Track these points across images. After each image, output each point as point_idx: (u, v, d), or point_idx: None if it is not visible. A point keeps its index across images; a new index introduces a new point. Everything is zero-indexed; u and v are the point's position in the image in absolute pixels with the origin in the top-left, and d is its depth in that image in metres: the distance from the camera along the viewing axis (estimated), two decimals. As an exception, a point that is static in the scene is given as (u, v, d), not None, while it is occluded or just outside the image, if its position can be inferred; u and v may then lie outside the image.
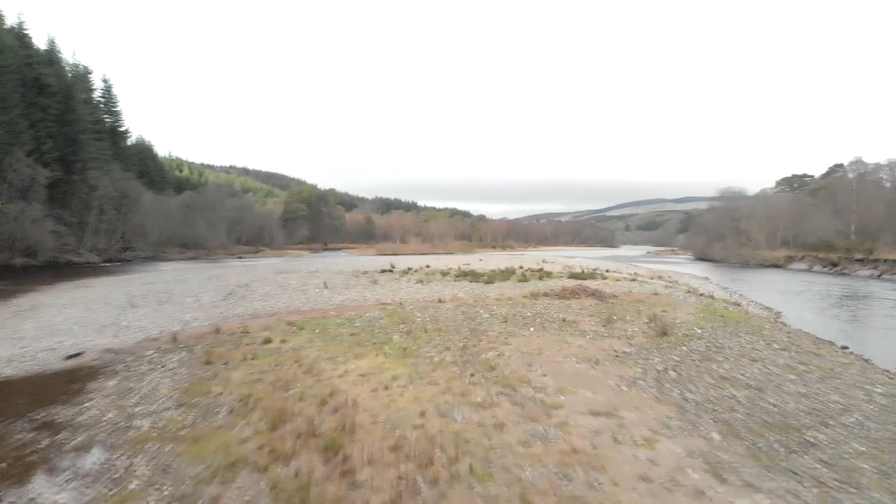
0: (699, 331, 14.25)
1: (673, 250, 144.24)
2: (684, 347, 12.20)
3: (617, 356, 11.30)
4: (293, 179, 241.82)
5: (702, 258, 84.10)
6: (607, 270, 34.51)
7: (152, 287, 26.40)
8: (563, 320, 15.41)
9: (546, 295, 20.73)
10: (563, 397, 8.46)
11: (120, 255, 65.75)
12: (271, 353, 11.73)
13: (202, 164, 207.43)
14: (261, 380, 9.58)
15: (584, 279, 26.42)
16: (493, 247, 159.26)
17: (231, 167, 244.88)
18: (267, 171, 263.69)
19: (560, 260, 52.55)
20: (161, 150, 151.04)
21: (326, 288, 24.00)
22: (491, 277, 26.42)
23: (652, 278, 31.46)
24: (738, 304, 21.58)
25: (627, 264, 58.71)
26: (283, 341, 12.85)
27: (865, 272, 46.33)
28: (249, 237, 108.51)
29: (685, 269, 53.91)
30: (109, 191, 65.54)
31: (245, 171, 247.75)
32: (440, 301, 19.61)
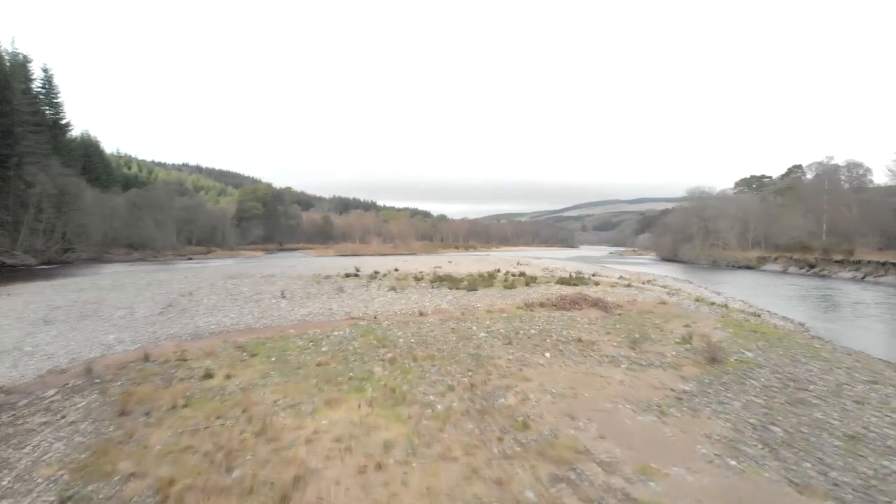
0: (749, 354, 11.66)
1: (634, 250, 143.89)
2: (753, 381, 9.53)
3: (678, 398, 8.54)
4: (247, 178, 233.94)
5: (668, 259, 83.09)
6: (594, 275, 31.94)
7: (82, 296, 22.68)
8: (579, 340, 12.61)
9: (542, 305, 17.95)
10: (654, 485, 5.59)
11: (60, 256, 61.06)
12: (212, 395, 8.65)
13: (153, 162, 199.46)
14: (192, 448, 6.55)
15: (576, 285, 23.79)
16: (456, 247, 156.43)
17: (183, 165, 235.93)
18: (220, 169, 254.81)
19: (533, 262, 49.81)
20: (109, 147, 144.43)
21: (284, 298, 20.61)
22: (472, 283, 23.46)
23: (643, 283, 29.00)
24: (758, 315, 19.13)
25: (601, 266, 56.82)
26: (228, 376, 9.74)
27: (847, 274, 44.98)
28: (201, 237, 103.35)
29: (657, 271, 52.02)
30: (48, 187, 60.48)
31: (198, 169, 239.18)
32: (422, 314, 16.58)
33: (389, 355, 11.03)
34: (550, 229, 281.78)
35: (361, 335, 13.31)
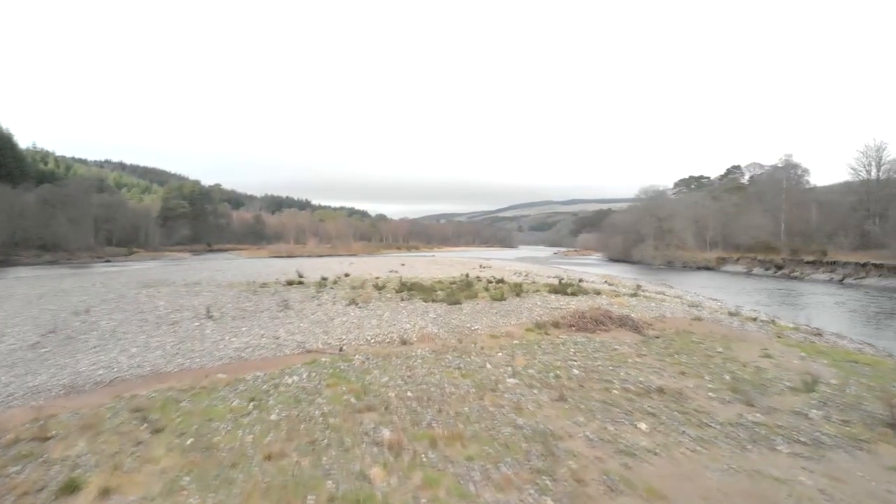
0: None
1: (576, 250, 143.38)
2: None
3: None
4: (174, 175, 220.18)
5: (619, 259, 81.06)
6: (581, 280, 27.88)
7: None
8: (661, 391, 8.48)
9: (557, 326, 13.83)
10: None
11: (-43, 259, 54.08)
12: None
13: (73, 158, 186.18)
14: None
15: (574, 294, 19.69)
16: (398, 248, 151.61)
17: (105, 162, 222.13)
18: (145, 166, 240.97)
19: (492, 263, 45.46)
20: (24, 141, 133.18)
21: (211, 318, 15.52)
22: (450, 294, 18.90)
23: (637, 289, 25.24)
24: (819, 334, 15.50)
25: (554, 266, 53.72)
26: (105, 490, 5.29)
27: (822, 276, 42.95)
28: (122, 237, 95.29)
29: (616, 272, 49.49)
30: (-56, 181, 53.41)
31: (121, 166, 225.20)
32: (405, 343, 12.08)
33: (387, 434, 6.59)
34: (490, 229, 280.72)
35: (328, 384, 8.86)
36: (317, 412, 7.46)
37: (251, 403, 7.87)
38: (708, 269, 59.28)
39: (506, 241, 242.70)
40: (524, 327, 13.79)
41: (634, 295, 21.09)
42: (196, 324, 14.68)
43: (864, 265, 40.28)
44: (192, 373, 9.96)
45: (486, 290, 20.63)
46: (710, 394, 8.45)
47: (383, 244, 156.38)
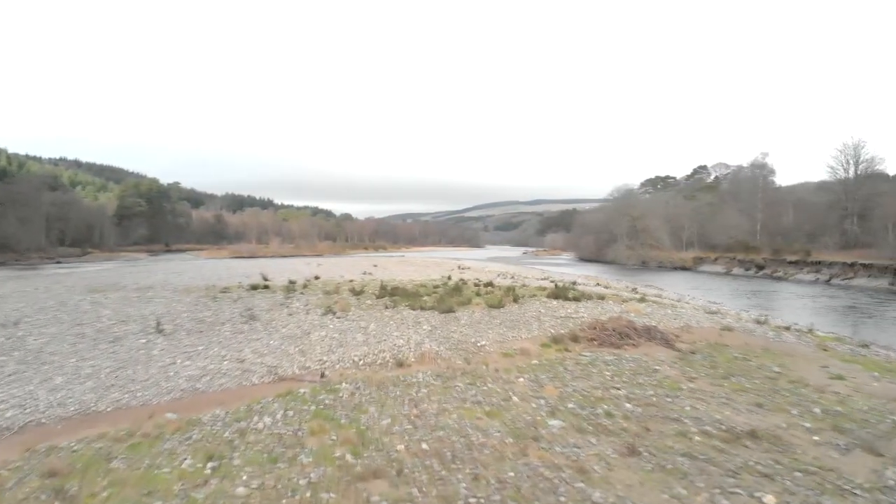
0: None
1: (545, 250, 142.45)
2: None
3: None
4: (131, 173, 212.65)
5: (591, 259, 79.84)
6: (575, 283, 25.72)
7: None
8: (753, 435, 6.48)
9: (576, 340, 11.81)
10: None
11: None
12: None
13: (26, 156, 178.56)
14: None
15: (577, 299, 17.63)
16: (365, 248, 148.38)
17: (61, 159, 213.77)
18: (102, 163, 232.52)
19: (470, 264, 43.53)
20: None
21: (161, 332, 12.95)
22: (440, 300, 16.67)
23: (636, 291, 23.50)
24: (867, 346, 13.73)
25: (532, 267, 52.08)
26: None
27: (807, 276, 42.06)
28: (75, 237, 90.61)
29: (594, 273, 48.30)
30: None
31: (77, 164, 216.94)
32: (401, 364, 9.89)
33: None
34: (457, 229, 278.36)
35: (311, 429, 6.66)
36: (301, 480, 5.29)
37: (209, 464, 5.68)
38: (684, 269, 58.56)
39: (473, 241, 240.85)
40: (538, 342, 11.75)
41: (643, 300, 19.22)
42: (143, 340, 12.16)
43: (851, 265, 39.50)
44: (131, 412, 7.65)
45: (478, 295, 18.57)
46: (814, 437, 6.52)
47: (349, 244, 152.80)
